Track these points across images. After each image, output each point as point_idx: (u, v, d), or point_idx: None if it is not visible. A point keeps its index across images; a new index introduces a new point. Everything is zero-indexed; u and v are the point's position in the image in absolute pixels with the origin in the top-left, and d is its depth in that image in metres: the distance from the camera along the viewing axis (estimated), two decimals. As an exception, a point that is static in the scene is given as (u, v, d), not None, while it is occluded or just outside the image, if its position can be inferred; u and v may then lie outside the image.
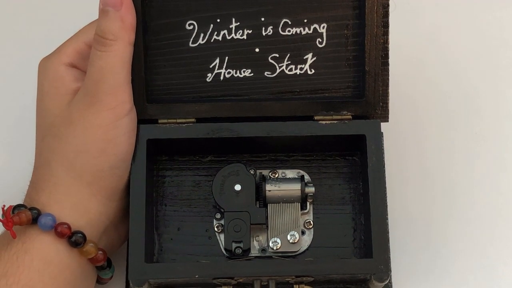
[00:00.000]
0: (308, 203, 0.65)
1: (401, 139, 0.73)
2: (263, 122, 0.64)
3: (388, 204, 0.63)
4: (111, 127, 0.61)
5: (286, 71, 0.64)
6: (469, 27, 0.80)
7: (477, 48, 0.79)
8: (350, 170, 0.66)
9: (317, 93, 0.65)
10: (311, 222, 0.65)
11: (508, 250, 0.68)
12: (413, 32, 0.80)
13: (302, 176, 0.66)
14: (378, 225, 0.61)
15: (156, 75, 0.64)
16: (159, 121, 0.64)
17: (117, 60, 0.61)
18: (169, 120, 0.64)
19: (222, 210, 0.65)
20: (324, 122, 0.64)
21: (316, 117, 0.64)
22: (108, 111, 0.61)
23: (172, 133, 0.64)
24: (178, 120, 0.64)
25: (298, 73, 0.64)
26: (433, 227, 0.69)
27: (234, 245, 0.64)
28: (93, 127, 0.61)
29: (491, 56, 0.78)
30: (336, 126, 0.64)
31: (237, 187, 0.65)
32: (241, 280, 0.61)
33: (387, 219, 0.62)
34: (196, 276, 0.61)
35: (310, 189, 0.65)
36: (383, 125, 0.65)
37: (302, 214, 0.65)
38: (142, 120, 0.64)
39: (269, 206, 0.65)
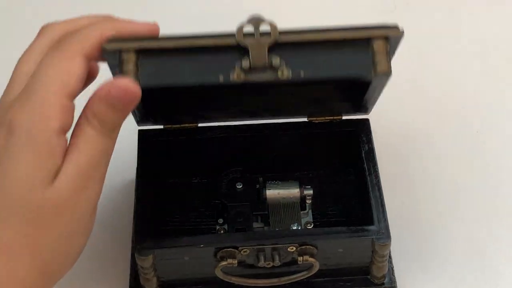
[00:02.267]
0: (307, 205, 0.67)
1: (401, 140, 0.73)
2: None
3: (388, 204, 0.64)
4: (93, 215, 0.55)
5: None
6: (469, 27, 0.82)
7: (477, 48, 0.81)
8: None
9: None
10: (311, 223, 0.67)
11: (508, 250, 0.68)
12: (413, 32, 0.82)
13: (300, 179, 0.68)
14: (375, 196, 0.63)
15: None
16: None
17: (111, 146, 0.54)
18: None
19: (225, 202, 0.67)
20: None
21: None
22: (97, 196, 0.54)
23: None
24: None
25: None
26: (434, 227, 0.69)
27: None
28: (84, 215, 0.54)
29: (491, 55, 0.80)
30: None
31: (239, 185, 0.68)
32: (245, 252, 0.62)
33: (382, 193, 0.63)
34: (201, 245, 0.61)
35: (309, 191, 0.67)
36: (383, 126, 0.66)
37: (302, 215, 0.67)
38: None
39: (270, 207, 0.67)
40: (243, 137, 0.68)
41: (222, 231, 0.67)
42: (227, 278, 0.63)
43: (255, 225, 0.66)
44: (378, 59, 0.54)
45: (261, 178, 0.68)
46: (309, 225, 0.67)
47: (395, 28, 0.54)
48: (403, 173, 0.72)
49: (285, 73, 0.54)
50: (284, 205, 0.67)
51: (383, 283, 0.65)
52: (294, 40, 0.54)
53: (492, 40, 0.81)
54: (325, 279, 0.65)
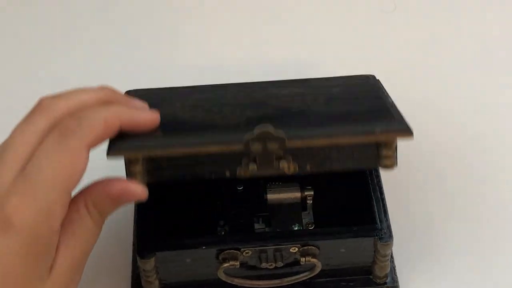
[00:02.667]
0: (308, 205, 0.67)
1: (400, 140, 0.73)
2: None
3: (389, 204, 0.64)
4: None
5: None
6: (469, 27, 0.83)
7: (477, 48, 0.81)
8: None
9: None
10: (312, 223, 0.67)
11: (509, 250, 0.68)
12: (413, 32, 0.82)
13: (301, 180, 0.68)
14: (377, 196, 0.63)
15: None
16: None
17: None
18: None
19: (226, 203, 0.67)
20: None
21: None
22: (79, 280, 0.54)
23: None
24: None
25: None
26: (436, 227, 0.69)
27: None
28: None
29: (491, 55, 0.80)
30: None
31: (239, 186, 0.69)
32: (247, 253, 0.62)
33: (383, 193, 0.63)
34: (203, 247, 0.61)
35: (310, 192, 0.67)
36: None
37: (303, 215, 0.67)
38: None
39: (270, 208, 0.67)
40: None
41: (223, 233, 0.67)
42: (230, 280, 0.63)
43: (256, 226, 0.66)
44: (385, 154, 0.56)
45: (262, 179, 0.68)
46: (310, 225, 0.67)
47: (407, 132, 0.55)
48: (404, 173, 0.72)
49: (291, 169, 0.56)
50: (285, 206, 0.67)
51: (385, 283, 0.65)
52: (301, 146, 0.55)
53: (492, 40, 0.81)
54: (327, 279, 0.65)
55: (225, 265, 0.61)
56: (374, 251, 0.62)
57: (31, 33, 0.84)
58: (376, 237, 0.61)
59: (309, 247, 0.61)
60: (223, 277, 0.62)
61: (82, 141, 0.51)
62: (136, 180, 0.55)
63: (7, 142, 0.52)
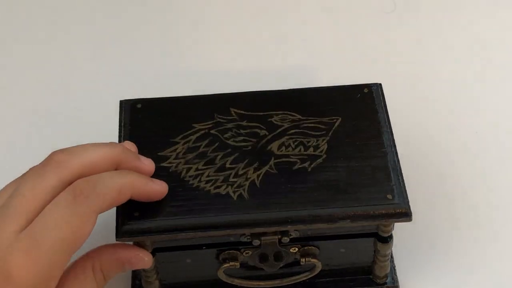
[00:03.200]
0: None
1: (401, 139, 0.73)
2: None
3: None
4: None
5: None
6: (469, 27, 0.83)
7: (477, 48, 0.81)
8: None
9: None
10: None
11: (510, 250, 0.68)
12: (413, 32, 0.82)
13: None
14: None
15: None
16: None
17: None
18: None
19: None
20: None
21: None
22: None
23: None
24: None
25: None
26: (436, 227, 0.69)
27: None
28: None
29: (491, 55, 0.80)
30: None
31: None
32: (247, 254, 0.61)
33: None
34: (203, 247, 0.61)
35: None
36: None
37: None
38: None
39: None
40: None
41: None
42: (230, 280, 0.63)
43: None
44: (383, 229, 0.60)
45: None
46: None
47: (405, 217, 0.58)
48: (404, 173, 0.71)
49: (293, 235, 0.60)
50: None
51: (385, 283, 0.65)
52: (304, 233, 0.60)
53: (492, 40, 0.81)
54: (327, 279, 0.65)
55: (225, 265, 0.61)
56: (374, 251, 0.62)
57: (33, 36, 0.84)
58: (376, 237, 0.61)
59: (309, 247, 0.61)
60: (223, 277, 0.62)
61: (94, 208, 0.51)
62: (145, 250, 0.59)
63: (17, 194, 0.52)
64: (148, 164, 0.58)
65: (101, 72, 0.80)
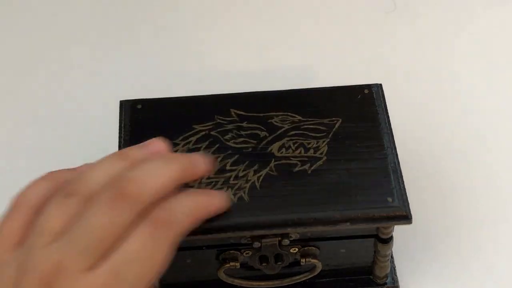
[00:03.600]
0: None
1: (401, 139, 0.73)
2: None
3: None
4: None
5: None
6: (469, 27, 0.83)
7: (477, 48, 0.81)
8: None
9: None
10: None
11: (510, 250, 0.68)
12: (413, 32, 0.82)
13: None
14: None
15: None
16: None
17: None
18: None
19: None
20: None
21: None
22: None
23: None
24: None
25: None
26: (436, 227, 0.69)
27: None
28: None
29: (491, 55, 0.80)
30: None
31: None
32: (247, 254, 0.61)
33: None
34: (204, 247, 0.61)
35: None
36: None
37: None
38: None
39: None
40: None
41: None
42: (230, 280, 0.63)
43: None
44: (383, 231, 0.60)
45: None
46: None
47: (405, 220, 0.58)
48: (403, 173, 0.71)
49: (293, 237, 0.60)
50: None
51: (385, 283, 0.65)
52: (304, 235, 0.60)
53: (492, 40, 0.81)
54: (328, 279, 0.65)
55: (226, 265, 0.61)
56: (374, 252, 0.62)
57: (33, 36, 0.84)
58: (376, 237, 0.61)
59: (309, 247, 0.61)
60: (223, 277, 0.62)
61: (174, 238, 0.50)
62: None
63: (89, 228, 0.49)
64: (206, 167, 0.56)
65: (101, 72, 0.80)
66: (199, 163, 0.56)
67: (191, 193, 0.54)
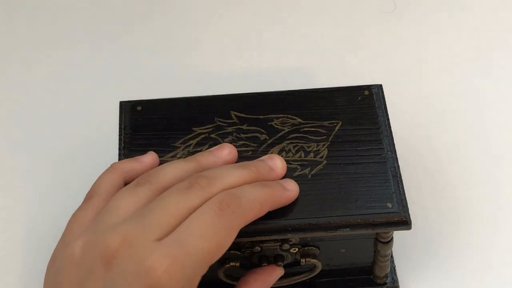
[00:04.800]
0: None
1: (401, 139, 0.73)
2: None
3: None
4: None
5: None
6: (469, 27, 0.82)
7: (477, 48, 0.81)
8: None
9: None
10: None
11: (510, 250, 0.68)
12: (413, 32, 0.82)
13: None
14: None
15: None
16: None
17: None
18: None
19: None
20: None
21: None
22: None
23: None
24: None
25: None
26: (436, 227, 0.69)
27: None
28: None
29: (491, 55, 0.80)
30: None
31: None
32: (248, 254, 0.61)
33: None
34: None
35: None
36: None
37: None
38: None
39: None
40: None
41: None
42: (230, 280, 0.63)
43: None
44: (382, 236, 0.60)
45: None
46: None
47: (405, 225, 0.58)
48: (403, 174, 0.71)
49: (293, 241, 0.60)
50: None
51: (385, 283, 0.65)
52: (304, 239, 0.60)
53: (493, 40, 0.81)
54: (328, 279, 0.65)
55: (226, 265, 0.61)
56: (374, 252, 0.62)
57: (33, 36, 0.84)
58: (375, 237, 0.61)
59: (309, 247, 0.61)
60: (223, 277, 0.62)
61: (238, 222, 0.52)
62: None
63: (159, 207, 0.51)
64: (280, 170, 0.58)
65: (101, 72, 0.80)
66: (266, 170, 0.58)
67: (261, 184, 0.55)
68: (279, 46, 0.82)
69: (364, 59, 0.80)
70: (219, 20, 0.84)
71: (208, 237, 0.50)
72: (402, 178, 0.60)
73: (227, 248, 0.52)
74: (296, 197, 0.58)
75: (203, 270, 0.51)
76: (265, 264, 0.62)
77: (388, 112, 0.64)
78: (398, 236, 0.63)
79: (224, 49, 0.82)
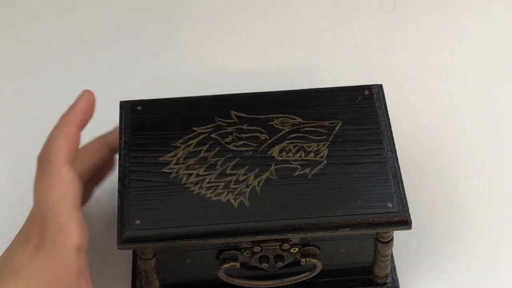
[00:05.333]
0: None
1: (401, 139, 0.73)
2: None
3: None
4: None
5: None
6: (469, 27, 0.83)
7: (476, 48, 0.81)
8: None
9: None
10: None
11: (510, 249, 0.68)
12: (413, 32, 0.82)
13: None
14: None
15: None
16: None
17: None
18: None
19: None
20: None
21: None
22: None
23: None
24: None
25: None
26: (436, 227, 0.69)
27: None
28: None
29: (491, 55, 0.80)
30: None
31: None
32: (248, 254, 0.61)
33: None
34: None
35: None
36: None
37: None
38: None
39: None
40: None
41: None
42: (230, 280, 0.63)
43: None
44: (382, 235, 0.61)
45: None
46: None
47: (405, 225, 0.58)
48: (403, 174, 0.71)
49: (293, 241, 0.60)
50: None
51: (385, 283, 0.65)
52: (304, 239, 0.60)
53: (492, 40, 0.81)
54: (328, 279, 0.65)
55: (226, 265, 0.62)
56: (375, 251, 0.63)
57: (33, 36, 0.84)
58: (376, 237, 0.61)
59: (310, 247, 0.62)
60: (223, 277, 0.62)
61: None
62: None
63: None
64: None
65: (101, 72, 0.80)
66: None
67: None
68: (279, 46, 0.82)
69: (364, 59, 0.80)
70: (219, 20, 0.84)
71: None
72: (402, 178, 0.60)
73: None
74: (91, 98, 0.60)
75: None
76: (266, 264, 0.62)
77: (388, 112, 0.64)
78: (398, 236, 0.63)
79: (224, 49, 0.82)
